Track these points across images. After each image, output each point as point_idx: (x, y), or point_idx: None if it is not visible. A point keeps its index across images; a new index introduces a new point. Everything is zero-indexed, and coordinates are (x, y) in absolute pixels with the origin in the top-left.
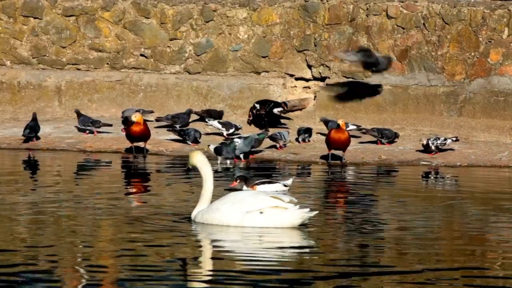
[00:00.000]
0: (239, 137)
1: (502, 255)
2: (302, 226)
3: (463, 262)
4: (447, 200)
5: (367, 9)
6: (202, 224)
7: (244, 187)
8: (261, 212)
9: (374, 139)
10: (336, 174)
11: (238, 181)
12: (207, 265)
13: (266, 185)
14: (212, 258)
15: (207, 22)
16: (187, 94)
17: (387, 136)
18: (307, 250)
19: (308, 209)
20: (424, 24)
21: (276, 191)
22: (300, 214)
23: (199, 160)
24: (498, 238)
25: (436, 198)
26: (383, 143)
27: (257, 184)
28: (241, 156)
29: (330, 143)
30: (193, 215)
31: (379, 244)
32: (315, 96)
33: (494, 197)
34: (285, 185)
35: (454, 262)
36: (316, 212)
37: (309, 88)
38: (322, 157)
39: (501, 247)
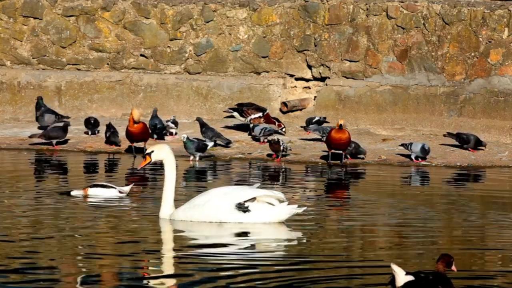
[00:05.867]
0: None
1: None
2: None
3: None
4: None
5: (367, 9)
6: (182, 221)
7: (75, 191)
8: (247, 207)
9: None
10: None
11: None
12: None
13: (99, 189)
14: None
15: (207, 22)
16: (187, 94)
17: (464, 141)
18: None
19: (296, 205)
20: (424, 24)
21: (110, 196)
22: (288, 210)
23: (167, 153)
24: None
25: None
26: (466, 148)
27: (89, 186)
28: (413, 157)
29: (331, 143)
30: (165, 214)
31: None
32: (315, 96)
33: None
34: (120, 192)
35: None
36: (304, 208)
37: (309, 88)
38: (322, 157)
39: None
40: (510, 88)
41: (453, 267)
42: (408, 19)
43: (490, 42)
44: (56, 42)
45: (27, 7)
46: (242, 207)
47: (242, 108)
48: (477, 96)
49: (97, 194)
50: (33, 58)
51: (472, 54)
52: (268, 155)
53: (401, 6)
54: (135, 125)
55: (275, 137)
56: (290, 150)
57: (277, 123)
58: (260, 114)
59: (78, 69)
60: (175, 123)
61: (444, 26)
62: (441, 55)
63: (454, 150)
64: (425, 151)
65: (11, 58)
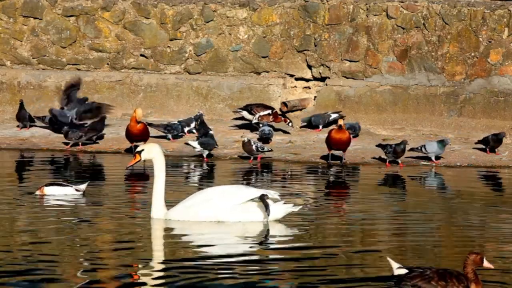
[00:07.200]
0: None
1: None
2: None
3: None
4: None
5: (367, 9)
6: (178, 221)
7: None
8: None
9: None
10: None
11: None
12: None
13: (55, 187)
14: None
15: (207, 22)
16: (187, 94)
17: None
18: None
19: (292, 204)
20: (424, 24)
21: (66, 194)
22: (284, 209)
23: (157, 153)
24: None
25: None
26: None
27: (46, 185)
28: (433, 158)
29: (331, 143)
30: (158, 214)
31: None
32: (315, 96)
33: None
34: (77, 190)
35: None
36: (300, 207)
37: (309, 88)
38: (322, 157)
39: None
40: (510, 88)
41: (486, 263)
42: (408, 19)
43: (490, 42)
44: (56, 42)
45: (27, 7)
46: (264, 200)
47: (251, 106)
48: (477, 96)
49: (54, 193)
50: (33, 58)
51: (472, 54)
52: (241, 156)
53: (401, 6)
54: (138, 124)
55: (245, 138)
56: (268, 150)
57: (283, 118)
58: (269, 111)
59: (78, 69)
60: (185, 122)
61: (444, 26)
62: (441, 55)
63: (454, 150)
64: (443, 145)
65: (11, 58)
